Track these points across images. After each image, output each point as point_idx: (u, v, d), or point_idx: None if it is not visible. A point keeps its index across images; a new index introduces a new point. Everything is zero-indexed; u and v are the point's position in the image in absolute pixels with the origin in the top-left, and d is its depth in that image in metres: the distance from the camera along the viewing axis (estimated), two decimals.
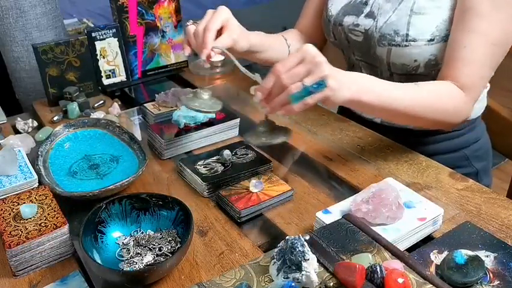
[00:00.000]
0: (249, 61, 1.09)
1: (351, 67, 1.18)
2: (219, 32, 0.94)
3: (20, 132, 1.16)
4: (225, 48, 0.93)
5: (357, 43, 1.07)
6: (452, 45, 0.94)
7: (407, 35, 0.96)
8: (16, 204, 0.81)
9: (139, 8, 1.37)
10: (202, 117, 1.06)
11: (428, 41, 0.96)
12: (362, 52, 1.08)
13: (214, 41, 0.92)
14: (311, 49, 0.76)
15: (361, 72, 1.13)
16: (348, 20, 1.07)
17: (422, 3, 0.96)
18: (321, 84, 0.75)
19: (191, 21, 0.97)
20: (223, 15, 0.94)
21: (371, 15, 1.03)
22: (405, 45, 0.97)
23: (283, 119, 1.13)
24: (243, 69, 0.87)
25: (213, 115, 1.08)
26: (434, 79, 1.01)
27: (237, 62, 0.89)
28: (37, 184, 0.91)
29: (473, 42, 0.90)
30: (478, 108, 1.11)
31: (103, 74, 1.37)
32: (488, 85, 1.10)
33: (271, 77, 0.77)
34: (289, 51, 1.18)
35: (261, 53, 1.09)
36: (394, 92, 0.87)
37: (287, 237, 0.63)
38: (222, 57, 1.49)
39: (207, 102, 0.93)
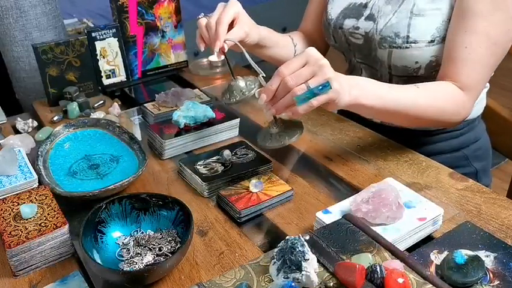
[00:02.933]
0: (257, 58, 1.10)
1: (352, 70, 1.18)
2: (230, 25, 0.95)
3: (20, 132, 1.16)
4: (237, 41, 0.94)
5: (357, 46, 1.07)
6: (451, 45, 0.94)
7: (408, 36, 0.96)
8: (16, 204, 0.81)
9: (139, 8, 1.37)
10: (202, 117, 1.06)
11: (429, 42, 0.96)
12: (362, 55, 1.08)
13: (227, 34, 0.93)
14: (314, 52, 0.77)
15: (362, 74, 1.13)
16: (348, 23, 1.07)
17: (421, 5, 0.96)
18: (326, 86, 0.76)
19: (202, 14, 0.98)
20: (234, 8, 0.95)
21: (371, 17, 1.03)
22: (406, 47, 0.97)
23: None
24: (252, 62, 0.87)
25: (213, 115, 1.07)
26: (434, 80, 1.01)
27: (247, 55, 0.90)
28: (37, 184, 0.91)
29: (473, 42, 0.91)
30: (478, 108, 1.11)
31: (103, 74, 1.37)
32: (488, 85, 1.10)
33: (276, 78, 0.78)
34: (295, 50, 1.18)
35: (268, 48, 1.10)
36: (394, 94, 0.87)
37: (287, 237, 0.63)
38: (222, 57, 1.49)
39: (244, 87, 0.92)
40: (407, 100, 0.88)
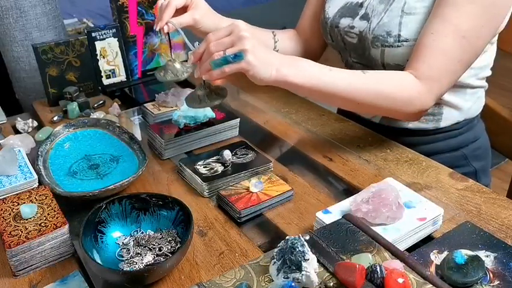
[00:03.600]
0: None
1: (348, 69, 1.18)
2: (185, 11, 1.02)
3: (20, 132, 1.16)
4: (181, 26, 0.98)
5: (352, 45, 1.08)
6: (421, 31, 0.93)
7: (399, 35, 0.96)
8: (16, 204, 0.81)
9: (139, 8, 1.37)
10: (202, 117, 1.06)
11: None
12: (357, 54, 1.09)
13: (175, 17, 0.98)
14: (241, 24, 0.83)
15: None
16: (344, 22, 1.07)
17: (412, 4, 0.96)
18: (238, 56, 0.82)
19: None
20: None
21: (365, 17, 1.03)
22: (398, 46, 0.97)
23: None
24: (186, 40, 0.92)
25: (213, 115, 1.07)
26: None
27: (185, 37, 0.93)
28: (37, 184, 0.91)
29: (441, 29, 0.89)
30: (476, 108, 1.11)
31: (103, 74, 1.37)
32: (486, 84, 1.10)
33: (203, 43, 0.85)
34: (275, 46, 1.19)
35: None
36: (330, 76, 0.88)
37: (287, 237, 0.63)
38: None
39: (180, 68, 0.98)
40: (344, 83, 0.89)
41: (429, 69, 0.91)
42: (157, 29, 0.98)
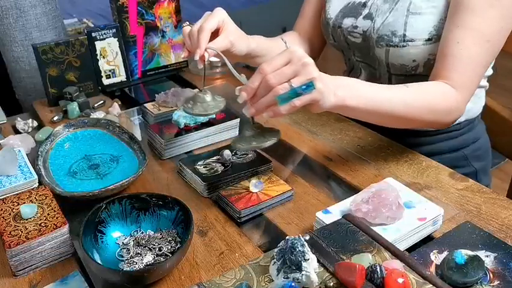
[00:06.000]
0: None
1: (351, 69, 1.18)
2: (216, 34, 0.93)
3: (20, 132, 1.16)
4: (219, 51, 0.90)
5: (356, 45, 1.07)
6: (444, 41, 0.93)
7: (404, 35, 0.96)
8: (16, 204, 0.81)
9: (139, 8, 1.37)
10: (202, 118, 1.06)
11: (426, 40, 0.96)
12: (361, 53, 1.08)
13: (210, 42, 0.90)
14: (298, 50, 0.75)
15: (361, 73, 1.13)
16: (347, 22, 1.07)
17: (418, 3, 0.96)
18: (309, 86, 0.73)
19: (187, 22, 0.95)
20: (218, 16, 0.92)
21: (369, 16, 1.03)
22: (403, 46, 0.97)
23: (276, 120, 1.12)
24: (233, 69, 0.84)
25: (213, 116, 1.08)
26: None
27: (229, 64, 0.86)
28: (37, 184, 0.90)
29: (466, 38, 0.89)
30: (477, 108, 1.11)
31: (103, 74, 1.37)
32: (487, 84, 1.10)
33: (258, 76, 0.75)
34: None
35: (260, 57, 1.06)
36: (381, 95, 0.85)
37: (287, 237, 0.63)
38: (221, 61, 1.49)
39: (211, 103, 0.89)
40: (396, 100, 0.86)
41: (462, 78, 0.91)
42: (197, 58, 0.88)
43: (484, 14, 0.89)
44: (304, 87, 0.73)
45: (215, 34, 0.92)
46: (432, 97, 0.90)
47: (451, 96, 0.91)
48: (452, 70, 0.91)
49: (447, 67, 0.91)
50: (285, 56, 0.74)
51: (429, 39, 0.96)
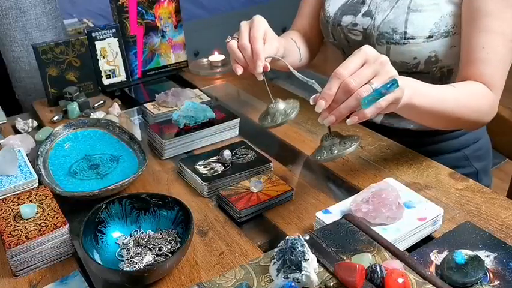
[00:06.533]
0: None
1: None
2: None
3: (20, 132, 1.16)
4: (279, 56, 0.87)
5: (356, 42, 1.07)
6: (467, 48, 0.93)
7: (405, 32, 0.96)
8: (16, 204, 0.81)
9: (139, 8, 1.37)
10: (202, 117, 1.06)
11: (427, 38, 0.96)
12: None
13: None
14: (371, 50, 0.72)
15: None
16: (346, 19, 1.07)
17: (419, 1, 0.96)
18: (393, 84, 0.70)
19: (229, 37, 0.88)
20: (263, 24, 0.87)
21: (368, 14, 1.03)
22: (404, 43, 0.97)
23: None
24: (299, 75, 0.81)
25: (213, 115, 1.07)
26: (434, 76, 1.01)
27: (291, 68, 0.84)
28: (37, 184, 0.90)
29: (490, 42, 0.90)
30: None
31: (103, 74, 1.37)
32: None
33: (335, 81, 0.71)
34: (299, 54, 1.14)
35: (284, 58, 0.99)
36: (441, 94, 0.85)
37: (287, 237, 0.63)
38: (222, 57, 1.49)
39: (286, 107, 0.86)
40: (451, 99, 0.87)
41: (494, 79, 0.92)
42: (260, 70, 0.83)
43: (503, 15, 0.90)
44: (389, 86, 0.70)
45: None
46: (477, 97, 0.91)
47: (490, 97, 0.93)
48: (482, 74, 0.92)
49: (477, 72, 0.92)
50: (359, 57, 0.72)
51: (430, 37, 0.96)
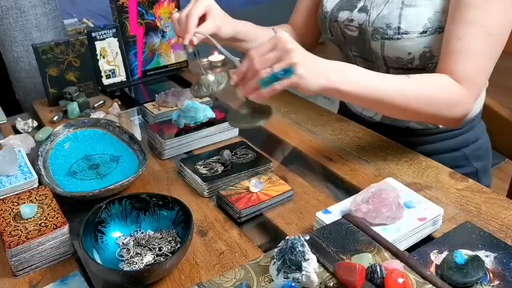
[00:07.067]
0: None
1: (348, 62, 1.18)
2: (203, 19, 0.98)
3: (20, 132, 1.16)
4: (208, 34, 0.95)
5: (353, 38, 1.07)
6: (446, 38, 0.92)
7: (399, 27, 0.96)
8: (16, 204, 0.81)
9: (139, 8, 1.37)
10: (202, 117, 1.06)
11: (421, 33, 0.95)
12: (358, 47, 1.08)
13: (198, 27, 0.96)
14: (284, 36, 0.78)
15: None
16: (343, 15, 1.07)
17: None
18: (288, 71, 0.77)
19: (176, 9, 1.01)
20: (205, 1, 0.97)
21: (364, 9, 1.03)
22: (398, 38, 0.97)
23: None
24: (225, 52, 0.90)
25: (213, 115, 1.07)
26: (431, 72, 1.01)
27: (219, 46, 0.91)
28: (37, 184, 0.90)
29: (468, 33, 0.89)
30: (476, 107, 1.10)
31: (103, 74, 1.37)
32: (487, 83, 1.10)
33: (246, 61, 0.81)
34: None
35: (247, 42, 1.10)
36: (376, 81, 0.86)
37: (287, 237, 0.63)
38: (222, 57, 1.49)
39: (214, 82, 0.95)
40: (393, 88, 0.87)
41: (466, 72, 0.90)
42: (186, 42, 0.94)
43: (485, 7, 0.88)
44: (283, 72, 0.77)
45: (202, 19, 0.98)
46: (432, 88, 0.90)
47: (453, 90, 0.90)
48: (455, 65, 0.90)
49: (450, 62, 0.91)
50: (271, 42, 0.78)
51: (424, 32, 0.95)
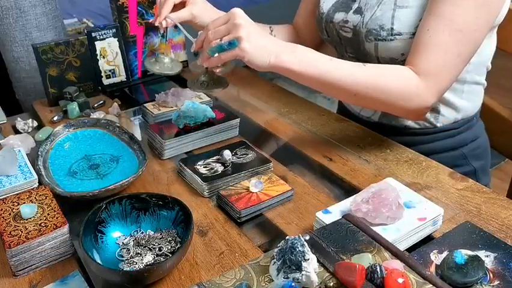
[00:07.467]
0: None
1: None
2: (184, 5, 1.06)
3: (20, 132, 1.16)
4: (179, 21, 1.03)
5: (347, 39, 1.08)
6: (417, 30, 0.93)
7: (392, 29, 0.96)
8: (16, 204, 0.81)
9: (139, 8, 1.37)
10: (202, 117, 1.06)
11: (413, 34, 0.95)
12: (353, 48, 1.09)
13: (174, 13, 1.03)
14: (238, 12, 0.85)
15: None
16: (338, 16, 1.08)
17: None
18: (232, 44, 0.84)
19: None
20: None
21: (358, 11, 1.03)
22: (391, 40, 0.97)
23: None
24: (185, 32, 1.01)
25: (213, 115, 1.07)
26: None
27: (184, 30, 1.02)
28: (37, 184, 0.90)
29: (436, 25, 0.89)
30: (474, 106, 1.10)
31: (103, 74, 1.37)
32: (485, 82, 1.10)
33: (203, 32, 0.89)
34: None
35: None
36: (327, 65, 0.88)
37: (287, 237, 0.63)
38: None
39: (168, 65, 1.07)
40: (344, 74, 0.89)
41: (427, 64, 0.90)
42: (156, 24, 1.02)
43: (457, 2, 0.88)
44: (228, 44, 0.84)
45: (183, 5, 1.06)
46: (386, 78, 0.91)
47: (409, 82, 0.91)
48: (418, 57, 0.91)
49: (415, 53, 0.92)
50: (226, 16, 0.86)
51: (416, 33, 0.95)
